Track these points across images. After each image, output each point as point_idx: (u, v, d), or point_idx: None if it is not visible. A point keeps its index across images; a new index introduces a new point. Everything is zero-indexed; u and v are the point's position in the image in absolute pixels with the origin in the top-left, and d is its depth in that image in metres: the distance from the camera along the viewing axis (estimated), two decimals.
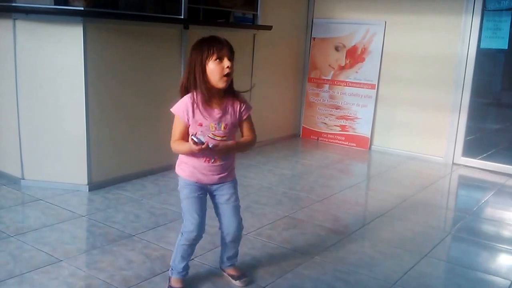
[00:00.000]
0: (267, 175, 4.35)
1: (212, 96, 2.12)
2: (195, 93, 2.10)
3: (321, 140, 5.80)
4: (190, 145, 2.03)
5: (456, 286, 2.55)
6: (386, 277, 2.57)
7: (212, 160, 2.17)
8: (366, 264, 2.71)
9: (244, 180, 4.10)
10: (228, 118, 2.16)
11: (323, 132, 5.78)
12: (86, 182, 3.60)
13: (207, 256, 2.66)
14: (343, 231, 3.19)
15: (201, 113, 2.11)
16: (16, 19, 3.43)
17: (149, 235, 2.93)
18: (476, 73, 4.85)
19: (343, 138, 5.65)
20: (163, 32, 3.99)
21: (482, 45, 4.82)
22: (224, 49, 2.08)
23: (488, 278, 2.68)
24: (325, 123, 5.78)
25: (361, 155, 5.35)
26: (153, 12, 4.37)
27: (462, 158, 5.03)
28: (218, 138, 2.14)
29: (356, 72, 5.52)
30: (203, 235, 2.23)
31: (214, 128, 2.13)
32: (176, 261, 2.29)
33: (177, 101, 2.16)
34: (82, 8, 3.38)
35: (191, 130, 2.14)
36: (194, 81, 2.10)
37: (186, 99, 2.12)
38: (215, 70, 2.07)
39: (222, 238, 2.37)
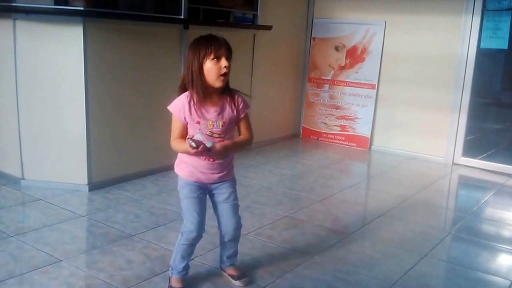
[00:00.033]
0: (267, 175, 4.35)
1: (209, 94, 2.12)
2: (192, 92, 2.10)
3: (321, 140, 5.80)
4: (187, 147, 2.04)
5: (456, 286, 2.55)
6: (386, 277, 2.57)
7: (211, 159, 2.17)
8: (366, 264, 2.71)
9: (244, 180, 4.10)
10: (226, 115, 2.16)
11: (323, 132, 5.78)
12: (86, 182, 3.60)
13: (207, 256, 2.66)
14: (343, 231, 3.19)
15: (198, 111, 2.10)
16: (16, 19, 3.43)
17: (149, 235, 2.93)
18: (476, 73, 4.85)
19: (343, 138, 5.65)
20: (163, 32, 3.99)
21: (482, 45, 4.82)
22: (222, 48, 2.07)
23: (488, 278, 2.68)
24: (325, 123, 5.78)
25: (361, 155, 5.35)
26: (153, 12, 4.37)
27: (462, 158, 5.03)
28: (216, 136, 2.14)
29: (356, 72, 5.52)
30: (203, 235, 2.23)
31: (212, 126, 2.13)
32: (176, 261, 2.30)
33: (175, 99, 2.16)
34: (82, 8, 3.38)
35: (189, 128, 2.14)
36: (191, 80, 2.09)
37: (183, 98, 2.12)
38: (212, 69, 2.06)
39: (221, 237, 2.37)
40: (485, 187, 4.46)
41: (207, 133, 2.13)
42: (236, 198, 2.31)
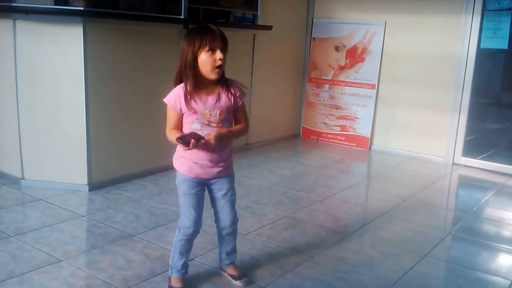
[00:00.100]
0: (267, 175, 4.35)
1: (204, 85, 2.12)
2: (187, 83, 2.09)
3: (321, 140, 5.80)
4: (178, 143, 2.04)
5: (456, 286, 2.55)
6: (386, 277, 2.57)
7: (210, 148, 2.15)
8: (366, 264, 2.71)
9: (244, 180, 4.10)
10: (223, 104, 2.15)
11: (323, 132, 5.78)
12: (86, 182, 3.60)
13: (207, 256, 2.66)
14: (343, 231, 3.19)
15: (194, 101, 2.10)
16: (16, 19, 3.43)
17: (149, 235, 2.93)
18: (476, 73, 4.85)
19: (343, 138, 5.65)
20: (163, 32, 3.99)
21: (482, 45, 4.82)
22: (217, 40, 2.06)
23: (488, 278, 2.68)
24: (325, 123, 5.78)
25: (361, 155, 5.35)
26: (153, 12, 4.37)
27: (462, 158, 5.03)
28: (214, 125, 2.13)
29: (356, 72, 5.52)
30: (204, 234, 2.23)
31: (209, 115, 2.12)
32: (175, 259, 2.30)
33: (170, 91, 2.16)
34: (82, 8, 3.38)
35: (187, 119, 2.13)
36: (185, 71, 2.09)
37: (178, 89, 2.12)
38: (207, 61, 2.06)
39: (219, 232, 2.37)
40: (485, 187, 4.46)
41: (205, 122, 2.12)
42: (233, 194, 2.32)
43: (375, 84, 5.42)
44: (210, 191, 2.28)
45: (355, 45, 5.51)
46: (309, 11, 5.83)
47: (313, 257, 2.76)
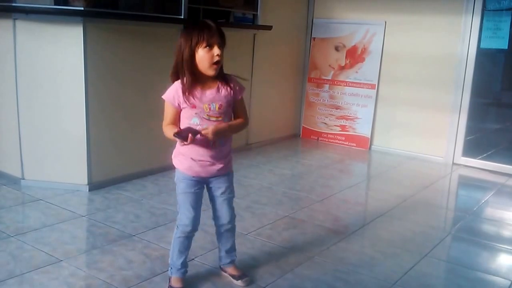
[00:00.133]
0: (267, 175, 4.35)
1: (203, 80, 2.12)
2: (185, 78, 2.09)
3: (321, 140, 5.80)
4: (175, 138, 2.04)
5: (456, 286, 2.55)
6: (386, 277, 2.57)
7: (211, 144, 2.15)
8: (366, 264, 2.71)
9: (244, 180, 4.10)
10: (222, 98, 2.14)
11: (323, 132, 5.78)
12: (86, 182, 3.60)
13: (207, 256, 2.66)
14: (343, 231, 3.19)
15: (193, 96, 2.09)
16: (16, 19, 3.43)
17: (149, 235, 2.93)
18: (476, 73, 4.85)
19: (343, 138, 5.65)
20: (163, 32, 3.99)
21: (482, 45, 4.82)
22: (215, 36, 2.05)
23: (488, 278, 2.68)
24: (325, 123, 5.78)
25: (361, 155, 5.35)
26: (153, 12, 4.37)
27: (462, 158, 5.03)
28: (214, 119, 2.13)
29: (356, 72, 5.52)
30: (203, 234, 2.23)
31: (208, 109, 2.11)
32: (174, 257, 2.30)
33: (169, 87, 2.15)
34: (82, 8, 3.38)
35: (186, 114, 2.12)
36: (182, 67, 2.08)
37: (177, 85, 2.12)
38: (204, 57, 2.05)
39: (218, 229, 2.38)
40: (485, 187, 4.46)
41: (204, 116, 2.11)
42: (232, 192, 2.32)
43: (375, 84, 5.42)
44: (209, 189, 2.28)
45: (355, 45, 5.51)
46: (309, 11, 5.83)
47: (313, 257, 2.76)
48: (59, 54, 3.47)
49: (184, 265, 2.31)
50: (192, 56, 2.06)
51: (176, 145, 2.22)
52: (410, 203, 3.79)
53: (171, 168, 2.25)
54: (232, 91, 2.17)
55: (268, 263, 2.64)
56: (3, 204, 3.30)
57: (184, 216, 2.22)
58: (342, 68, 5.62)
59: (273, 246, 2.88)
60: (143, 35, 3.83)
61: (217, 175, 2.23)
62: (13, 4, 3.48)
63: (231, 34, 5.17)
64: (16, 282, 2.32)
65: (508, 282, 2.61)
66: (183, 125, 2.13)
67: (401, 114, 5.31)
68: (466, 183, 4.78)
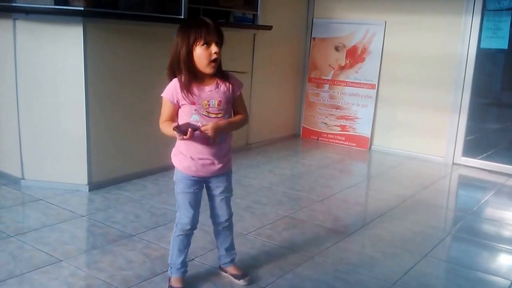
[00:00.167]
0: (267, 175, 4.35)
1: (201, 78, 2.11)
2: (182, 77, 2.08)
3: (321, 140, 5.80)
4: (174, 133, 2.04)
5: (456, 286, 2.55)
6: (386, 277, 2.57)
7: (211, 141, 2.14)
8: (366, 264, 2.71)
9: (244, 180, 4.10)
10: (221, 94, 2.14)
11: (323, 132, 5.78)
12: (86, 182, 3.60)
13: (207, 256, 2.66)
14: (343, 231, 3.19)
15: (192, 93, 2.08)
16: (16, 19, 3.43)
17: (149, 235, 2.93)
18: (476, 73, 4.85)
19: (343, 138, 5.65)
20: (163, 32, 3.99)
21: (482, 45, 4.82)
22: (212, 34, 2.05)
23: (488, 278, 2.68)
24: (325, 123, 5.78)
25: (361, 155, 5.35)
26: (153, 12, 4.37)
27: (462, 158, 5.03)
28: (213, 116, 2.12)
29: (356, 72, 5.52)
30: (203, 234, 2.23)
31: (207, 106, 2.11)
32: (174, 256, 2.30)
33: (166, 85, 2.15)
34: (82, 8, 3.38)
35: (184, 111, 2.11)
36: (178, 66, 2.08)
37: (175, 82, 2.11)
38: (202, 55, 2.05)
39: (216, 227, 2.38)
40: (485, 187, 4.46)
41: (204, 113, 2.11)
42: (230, 190, 2.33)
43: (375, 84, 5.42)
44: (208, 188, 2.28)
45: (355, 45, 5.51)
46: (309, 11, 5.83)
47: (313, 257, 2.76)
48: (59, 54, 3.47)
49: (184, 264, 2.31)
50: (190, 53, 2.06)
51: (176, 144, 2.22)
52: (410, 203, 3.79)
53: (171, 168, 2.25)
54: (231, 87, 2.17)
55: (268, 263, 2.64)
56: (3, 204, 3.30)
57: (183, 215, 2.22)
58: (342, 68, 5.62)
59: (273, 246, 2.88)
60: (143, 35, 3.83)
61: (217, 174, 2.23)
62: (13, 4, 3.48)
63: (231, 34, 5.18)
64: (16, 282, 2.32)
65: (508, 282, 2.61)
66: (183, 122, 2.12)
67: (401, 114, 5.31)
68: (466, 183, 4.78)
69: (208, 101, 2.11)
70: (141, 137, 3.92)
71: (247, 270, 2.49)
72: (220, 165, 2.20)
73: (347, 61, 5.58)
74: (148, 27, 3.84)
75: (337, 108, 5.68)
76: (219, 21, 4.64)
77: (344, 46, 5.58)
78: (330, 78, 5.71)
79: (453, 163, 5.04)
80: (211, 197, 2.30)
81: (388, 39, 5.31)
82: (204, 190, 2.29)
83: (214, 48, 2.05)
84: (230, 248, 2.44)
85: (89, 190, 3.60)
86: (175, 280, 2.31)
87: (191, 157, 2.15)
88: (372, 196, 4.17)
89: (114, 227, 3.02)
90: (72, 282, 2.34)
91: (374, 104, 5.44)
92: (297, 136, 5.98)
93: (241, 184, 3.97)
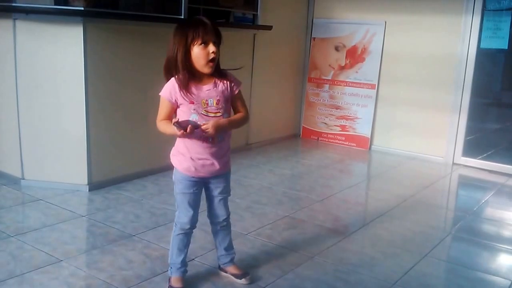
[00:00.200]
0: (267, 175, 4.35)
1: (199, 77, 2.11)
2: (180, 76, 2.08)
3: (321, 140, 5.80)
4: (173, 129, 2.03)
5: (456, 286, 2.55)
6: (386, 277, 2.57)
7: (210, 140, 2.14)
8: (366, 264, 2.71)
9: (244, 180, 4.10)
10: (220, 93, 2.13)
11: (323, 132, 5.78)
12: (86, 182, 3.60)
13: (207, 256, 2.66)
14: (343, 231, 3.19)
15: (190, 92, 2.08)
16: (16, 19, 3.43)
17: (149, 235, 2.93)
18: (476, 73, 4.85)
19: (343, 138, 5.65)
20: (163, 32, 3.97)
21: (482, 45, 4.82)
22: (210, 33, 2.05)
23: (488, 278, 2.68)
24: (325, 123, 5.78)
25: (361, 155, 5.35)
26: (153, 12, 4.37)
27: (462, 158, 5.03)
28: (212, 115, 2.11)
29: (356, 72, 5.52)
30: (203, 234, 2.23)
31: (206, 105, 2.10)
32: (173, 256, 2.30)
33: (164, 84, 2.14)
34: (82, 8, 3.38)
35: (182, 110, 2.10)
36: (176, 65, 2.07)
37: (173, 81, 2.10)
38: (200, 55, 2.04)
39: (214, 227, 2.38)
40: (485, 187, 4.46)
41: (202, 112, 2.10)
42: (228, 191, 2.33)
43: (375, 84, 5.42)
44: (207, 188, 2.28)
45: (355, 45, 5.51)
46: (309, 11, 5.83)
47: (313, 257, 2.76)
48: (59, 54, 3.47)
49: (184, 264, 2.31)
50: (187, 53, 2.06)
51: (175, 144, 2.22)
52: (410, 203, 3.79)
53: (171, 168, 2.25)
54: (229, 86, 2.16)
55: (268, 263, 2.64)
56: (3, 204, 3.30)
57: (183, 214, 2.23)
58: (342, 68, 5.62)
59: (273, 246, 2.88)
60: (143, 35, 3.83)
61: (217, 174, 2.23)
62: (13, 4, 3.48)
63: (231, 34, 5.19)
64: (16, 282, 2.32)
65: (508, 282, 2.61)
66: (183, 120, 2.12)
67: (401, 114, 5.31)
68: (466, 183, 4.78)
69: (207, 100, 2.11)
70: (141, 137, 3.92)
71: (247, 269, 2.49)
72: (220, 166, 2.20)
73: (347, 61, 5.58)
74: (148, 27, 3.84)
75: (337, 108, 5.68)
76: (219, 21, 4.64)
77: (344, 46, 5.59)
78: (330, 78, 5.71)
79: (453, 163, 5.04)
80: (209, 197, 2.31)
81: (388, 39, 5.31)
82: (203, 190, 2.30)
83: (211, 48, 2.05)
84: (229, 248, 2.44)
85: (89, 190, 3.60)
86: (175, 280, 2.31)
87: (191, 158, 2.15)
88: (372, 196, 4.17)
89: (114, 227, 3.02)
90: (72, 282, 2.34)
91: (374, 104, 5.44)
92: (297, 136, 5.98)
93: (241, 184, 3.97)
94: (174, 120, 2.02)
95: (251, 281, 2.41)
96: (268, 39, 5.15)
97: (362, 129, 5.53)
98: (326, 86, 5.74)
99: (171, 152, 2.24)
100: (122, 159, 3.85)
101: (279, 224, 3.21)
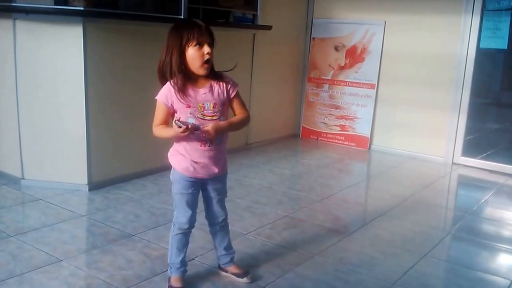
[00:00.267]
0: (267, 175, 4.35)
1: (194, 80, 2.11)
2: (175, 78, 2.07)
3: (321, 140, 5.80)
4: (175, 130, 2.03)
5: (456, 285, 2.55)
6: (386, 277, 2.57)
7: (208, 143, 2.14)
8: (366, 264, 2.71)
9: (244, 180, 4.10)
10: (216, 96, 2.13)
11: (323, 132, 5.78)
12: (86, 182, 3.60)
13: (207, 256, 2.66)
14: (343, 231, 3.19)
15: (186, 95, 2.08)
16: (16, 19, 3.43)
17: (149, 234, 2.93)
18: (475, 73, 4.85)
19: (343, 138, 5.65)
20: (163, 32, 3.93)
21: (482, 45, 4.82)
22: (204, 34, 2.05)
23: (488, 277, 2.68)
24: (325, 123, 5.78)
25: (361, 155, 5.35)
26: (153, 12, 4.37)
27: (462, 157, 5.03)
28: (209, 118, 2.11)
29: (356, 72, 5.52)
30: (203, 234, 2.24)
31: (202, 108, 2.10)
32: (173, 256, 2.30)
33: (159, 89, 2.14)
34: (82, 8, 3.39)
35: (178, 115, 2.10)
36: (170, 67, 2.07)
37: (169, 85, 2.10)
38: (195, 56, 2.05)
39: (212, 228, 2.39)
40: (485, 186, 4.46)
41: (199, 116, 2.10)
42: (225, 192, 2.34)
43: (375, 84, 5.42)
44: (205, 190, 2.29)
45: (354, 45, 5.52)
46: (309, 11, 5.83)
47: (313, 257, 2.76)
48: (59, 54, 3.47)
49: (183, 263, 2.32)
50: (182, 55, 2.06)
51: (174, 144, 2.22)
52: (410, 203, 3.80)
53: (170, 168, 2.25)
54: (225, 89, 2.16)
55: (268, 263, 2.64)
56: (3, 204, 3.30)
57: (181, 214, 2.23)
58: (341, 68, 5.62)
59: (273, 246, 2.88)
60: (143, 35, 3.83)
61: (214, 176, 2.24)
62: (13, 4, 3.48)
63: (231, 34, 5.19)
64: (16, 282, 2.32)
65: (508, 282, 2.61)
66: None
67: (400, 114, 5.32)
68: (465, 182, 4.78)
69: (203, 104, 2.11)
70: (141, 137, 3.92)
71: (247, 268, 2.49)
72: (218, 167, 2.21)
73: (347, 61, 5.58)
74: (148, 27, 3.84)
75: (336, 108, 5.68)
76: (219, 21, 4.65)
77: (344, 46, 5.59)
78: (329, 78, 5.71)
79: (453, 163, 5.04)
80: (207, 199, 2.31)
81: (388, 39, 5.32)
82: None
83: (206, 49, 2.05)
84: (229, 247, 2.44)
85: (89, 190, 3.60)
86: (175, 280, 2.31)
87: (191, 160, 2.16)
88: (372, 196, 4.17)
89: (114, 227, 3.02)
90: (72, 282, 2.34)
91: (374, 104, 5.44)
92: (296, 136, 5.98)
93: (241, 184, 3.97)
94: (175, 118, 2.02)
95: (252, 280, 2.42)
96: (268, 39, 5.15)
97: (361, 129, 5.53)
98: (326, 86, 5.74)
99: (169, 152, 2.24)
100: (122, 159, 3.85)
101: (279, 224, 3.21)
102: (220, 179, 2.28)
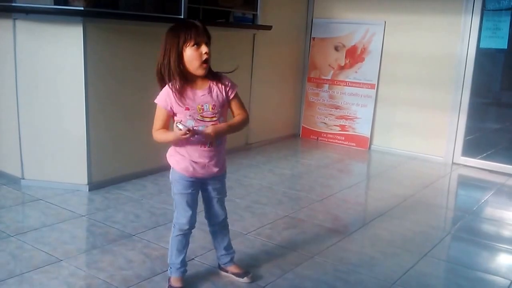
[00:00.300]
0: (267, 175, 4.35)
1: (193, 81, 2.11)
2: (174, 80, 2.07)
3: (320, 140, 5.80)
4: (175, 133, 2.03)
5: (456, 285, 2.55)
6: (386, 277, 2.57)
7: (208, 145, 2.14)
8: (366, 264, 2.71)
9: (244, 180, 4.10)
10: (215, 97, 2.13)
11: (323, 132, 5.79)
12: (86, 182, 3.60)
13: (207, 256, 2.66)
14: (343, 230, 3.19)
15: (185, 97, 2.08)
16: (16, 19, 3.43)
17: (149, 234, 2.93)
18: (475, 73, 4.85)
19: (343, 138, 5.65)
20: (163, 32, 3.96)
21: (482, 45, 4.82)
22: (202, 34, 2.05)
23: (488, 277, 2.68)
24: (324, 123, 5.78)
25: (361, 155, 5.35)
26: (153, 12, 4.37)
27: (462, 157, 5.03)
28: (208, 120, 2.11)
29: (356, 72, 5.52)
30: (203, 234, 2.24)
31: (201, 110, 2.10)
32: (173, 257, 2.30)
33: (159, 91, 2.13)
34: (82, 8, 3.38)
35: (178, 117, 2.10)
36: (168, 68, 2.06)
37: (168, 89, 2.09)
38: (193, 56, 2.04)
39: (212, 228, 2.39)
40: (485, 186, 4.46)
41: (198, 118, 2.10)
42: (224, 192, 2.34)
43: (375, 84, 5.42)
44: (205, 190, 2.29)
45: (354, 45, 5.52)
46: (309, 11, 5.83)
47: (313, 256, 2.76)
48: (59, 54, 3.47)
49: (183, 264, 2.32)
50: (180, 56, 2.05)
51: (173, 145, 2.22)
52: (410, 203, 3.80)
53: (170, 168, 2.25)
54: (224, 90, 2.16)
55: (268, 263, 2.64)
56: (3, 204, 3.30)
57: (181, 215, 2.23)
58: (341, 68, 5.62)
59: (273, 245, 2.88)
60: (143, 35, 3.83)
61: (215, 176, 2.24)
62: (13, 4, 3.48)
63: (231, 34, 5.19)
64: (16, 281, 2.32)
65: (508, 282, 2.61)
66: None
67: (400, 114, 5.32)
68: (465, 182, 4.78)
69: (202, 106, 2.11)
70: (141, 137, 3.91)
71: (247, 268, 2.49)
72: (217, 168, 2.21)
73: (347, 61, 5.58)
74: (148, 27, 3.84)
75: (336, 108, 5.68)
76: (219, 21, 4.65)
77: (344, 46, 5.59)
78: (329, 78, 5.71)
79: (453, 163, 5.04)
80: (207, 199, 2.31)
81: (388, 39, 5.32)
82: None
83: (204, 48, 2.05)
84: (229, 247, 2.44)
85: (89, 190, 3.60)
86: (175, 280, 2.31)
87: (191, 160, 2.16)
88: (372, 196, 4.17)
89: (114, 227, 3.02)
90: (72, 282, 2.34)
91: (374, 104, 5.44)
92: (296, 136, 5.98)
93: (241, 184, 3.97)
94: (177, 120, 2.02)
95: (252, 280, 2.42)
96: (267, 39, 5.15)
97: (361, 129, 5.53)
98: (326, 86, 5.74)
99: (168, 153, 2.24)
100: (122, 159, 3.85)
101: (279, 224, 3.21)
102: (219, 178, 2.28)
